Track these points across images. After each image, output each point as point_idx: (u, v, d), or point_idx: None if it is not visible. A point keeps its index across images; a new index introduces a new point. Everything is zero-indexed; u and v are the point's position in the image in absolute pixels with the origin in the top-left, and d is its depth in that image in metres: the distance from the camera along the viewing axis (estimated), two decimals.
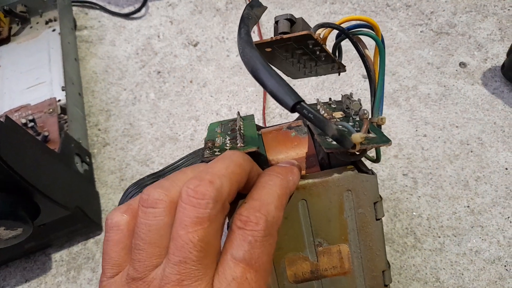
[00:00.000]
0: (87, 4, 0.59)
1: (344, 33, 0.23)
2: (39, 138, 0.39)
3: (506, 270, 0.32)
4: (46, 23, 0.55)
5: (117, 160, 0.43)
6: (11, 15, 0.55)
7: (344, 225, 0.21)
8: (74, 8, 0.58)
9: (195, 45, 0.51)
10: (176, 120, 0.45)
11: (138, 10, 0.55)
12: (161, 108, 0.47)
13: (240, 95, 0.46)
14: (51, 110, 0.43)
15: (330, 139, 0.20)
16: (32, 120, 0.41)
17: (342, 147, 0.18)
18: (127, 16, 0.56)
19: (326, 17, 0.51)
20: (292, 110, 0.17)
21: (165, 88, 0.48)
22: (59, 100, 0.45)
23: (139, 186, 0.23)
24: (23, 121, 0.41)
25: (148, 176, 0.24)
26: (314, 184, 0.20)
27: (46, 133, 0.40)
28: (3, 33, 0.54)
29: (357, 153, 0.21)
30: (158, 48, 0.52)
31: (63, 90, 0.45)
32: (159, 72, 0.50)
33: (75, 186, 0.37)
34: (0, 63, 0.52)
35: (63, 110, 0.44)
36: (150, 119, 0.46)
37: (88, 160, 0.42)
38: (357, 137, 0.18)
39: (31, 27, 0.56)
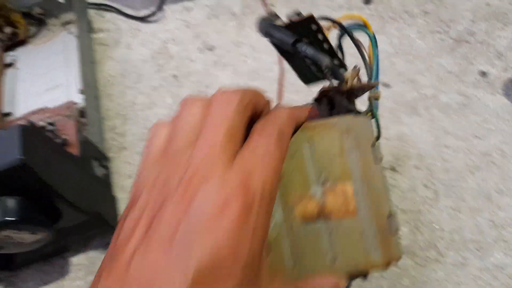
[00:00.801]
0: (103, 7, 0.59)
1: (340, 26, 0.27)
2: (58, 141, 0.39)
3: None
4: (63, 25, 0.55)
5: (135, 164, 0.43)
6: (28, 17, 0.55)
7: (346, 164, 0.22)
8: (90, 11, 0.58)
9: (211, 50, 0.51)
10: None
11: (154, 13, 0.55)
12: None
13: None
14: (69, 113, 0.43)
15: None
16: (51, 123, 0.41)
17: (335, 78, 0.23)
18: (143, 19, 0.56)
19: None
20: (293, 46, 0.22)
21: (181, 93, 0.48)
22: (76, 104, 0.45)
23: None
24: (42, 124, 0.41)
25: None
26: (317, 125, 0.23)
27: (65, 137, 0.40)
28: (21, 35, 0.54)
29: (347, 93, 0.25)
30: (174, 52, 0.52)
31: (80, 93, 0.45)
32: (176, 76, 0.50)
33: (94, 191, 0.37)
34: (17, 65, 0.52)
35: (80, 113, 0.44)
36: None
37: (106, 164, 0.42)
38: (348, 73, 0.23)
39: (48, 30, 0.56)
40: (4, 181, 0.29)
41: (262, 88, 0.46)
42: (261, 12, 0.53)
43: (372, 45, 0.26)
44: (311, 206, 0.22)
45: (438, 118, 0.41)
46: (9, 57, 0.53)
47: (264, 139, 0.19)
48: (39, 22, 0.56)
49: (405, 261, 0.33)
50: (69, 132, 0.41)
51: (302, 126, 0.23)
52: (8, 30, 0.54)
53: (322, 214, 0.22)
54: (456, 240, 0.34)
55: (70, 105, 0.44)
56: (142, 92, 0.49)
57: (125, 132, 0.46)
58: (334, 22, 0.26)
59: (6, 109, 0.47)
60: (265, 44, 0.51)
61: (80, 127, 0.42)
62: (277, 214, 0.22)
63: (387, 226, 0.22)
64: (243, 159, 0.18)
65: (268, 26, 0.24)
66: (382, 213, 0.22)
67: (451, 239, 0.34)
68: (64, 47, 0.52)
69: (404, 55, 0.47)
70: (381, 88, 0.44)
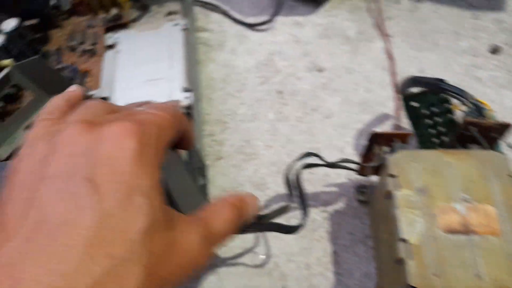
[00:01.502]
0: (210, 6, 0.57)
1: (472, 105, 0.30)
2: None
3: None
4: (166, 15, 0.54)
5: (230, 177, 0.41)
6: (133, 0, 0.54)
7: (487, 187, 0.24)
8: (195, 8, 0.57)
9: (320, 71, 0.49)
10: (295, 148, 0.43)
11: (264, 23, 0.53)
12: (280, 131, 0.44)
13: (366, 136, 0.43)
14: None
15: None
16: None
17: (478, 112, 0.29)
18: (250, 26, 0.54)
19: (466, 69, 0.47)
20: (439, 81, 0.31)
21: (285, 111, 0.46)
22: (180, 103, 0.43)
23: None
24: None
25: None
26: (457, 152, 0.27)
27: None
28: (124, 17, 0.53)
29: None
30: (280, 66, 0.50)
31: (185, 91, 0.44)
32: (280, 92, 0.47)
33: (196, 201, 0.35)
34: (119, 47, 0.51)
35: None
36: (267, 141, 0.43)
37: (205, 174, 0.39)
38: (488, 112, 0.29)
39: (150, 16, 0.54)
40: None
41: (373, 123, 0.43)
42: (377, 40, 0.51)
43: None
44: (454, 218, 0.24)
45: None
46: (110, 38, 0.52)
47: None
48: (143, 7, 0.55)
49: None
50: None
51: (443, 151, 0.27)
52: (114, 11, 0.53)
53: (465, 228, 0.23)
54: None
55: (175, 104, 0.42)
56: (244, 103, 0.47)
57: (223, 141, 0.44)
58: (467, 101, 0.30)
59: (104, 93, 0.46)
60: (379, 76, 0.48)
61: None
62: (420, 224, 0.23)
63: None
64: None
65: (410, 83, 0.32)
66: None
67: None
68: (169, 39, 0.50)
69: None
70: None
